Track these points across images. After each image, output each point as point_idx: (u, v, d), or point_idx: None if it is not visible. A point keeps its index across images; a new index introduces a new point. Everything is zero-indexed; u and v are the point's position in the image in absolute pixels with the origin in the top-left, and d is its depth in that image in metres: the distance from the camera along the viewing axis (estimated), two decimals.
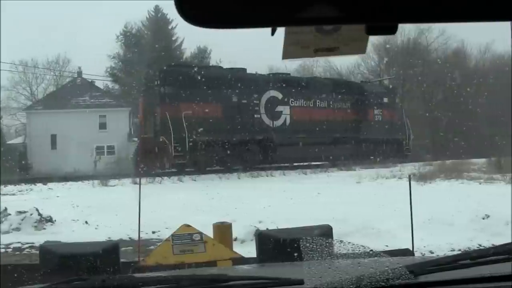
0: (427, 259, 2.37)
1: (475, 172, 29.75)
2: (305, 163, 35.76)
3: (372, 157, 38.11)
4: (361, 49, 1.58)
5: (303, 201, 17.03)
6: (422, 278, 2.06)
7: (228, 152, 32.96)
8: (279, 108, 37.23)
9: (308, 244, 2.28)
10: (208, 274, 2.42)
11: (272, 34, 1.43)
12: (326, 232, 3.85)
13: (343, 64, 72.78)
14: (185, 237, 5.25)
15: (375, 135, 40.77)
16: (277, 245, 3.48)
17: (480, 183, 23.88)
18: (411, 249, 5.24)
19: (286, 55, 1.59)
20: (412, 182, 23.00)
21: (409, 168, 31.97)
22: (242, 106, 35.09)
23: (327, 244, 2.29)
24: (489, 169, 30.92)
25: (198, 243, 5.21)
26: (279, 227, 8.45)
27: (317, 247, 2.27)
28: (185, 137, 31.69)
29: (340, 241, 2.34)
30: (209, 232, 6.42)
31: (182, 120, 31.69)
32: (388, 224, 13.20)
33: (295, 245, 2.71)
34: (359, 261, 2.20)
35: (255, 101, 36.02)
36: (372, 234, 12.95)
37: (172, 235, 5.37)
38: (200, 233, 5.36)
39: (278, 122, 37.14)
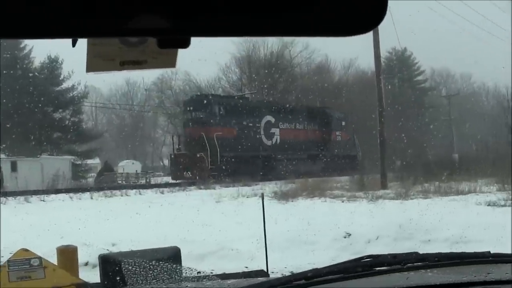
0: (264, 280, 2.37)
1: (338, 190, 30.51)
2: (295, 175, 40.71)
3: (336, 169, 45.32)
4: (171, 63, 1.58)
5: (158, 221, 16.86)
6: None
7: (244, 164, 42.37)
8: (272, 130, 48.72)
9: (140, 268, 2.24)
10: None
11: (73, 45, 1.40)
12: (173, 254, 3.79)
13: (203, 77, 73.13)
14: (23, 262, 5.02)
15: (337, 152, 52.41)
16: (120, 269, 3.39)
17: (342, 201, 24.48)
18: (265, 269, 5.26)
19: (90, 68, 1.57)
20: (273, 201, 23.38)
21: (271, 186, 32.41)
22: (250, 129, 45.65)
23: (167, 266, 2.26)
24: (352, 186, 31.83)
25: (36, 268, 4.99)
26: (132, 249, 8.29)
27: (149, 270, 2.24)
28: (218, 153, 41.52)
29: (177, 264, 2.31)
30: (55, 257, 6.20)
31: (214, 139, 41.43)
32: (248, 244, 13.27)
33: (137, 268, 2.65)
34: (195, 284, 2.18)
35: (257, 124, 47.18)
36: (230, 255, 12.99)
37: (8, 261, 5.12)
38: (40, 258, 5.14)
39: (272, 141, 48.49)
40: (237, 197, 27.11)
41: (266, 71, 66.68)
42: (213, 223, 16.48)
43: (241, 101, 48.85)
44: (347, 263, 2.26)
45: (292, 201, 24.68)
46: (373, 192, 27.24)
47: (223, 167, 41.12)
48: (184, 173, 41.47)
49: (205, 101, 44.52)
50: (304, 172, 40.69)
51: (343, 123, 56.93)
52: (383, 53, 61.72)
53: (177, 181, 39.34)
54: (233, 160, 41.99)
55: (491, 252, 2.48)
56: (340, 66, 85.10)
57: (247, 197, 26.53)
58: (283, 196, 25.89)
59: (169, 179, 53.87)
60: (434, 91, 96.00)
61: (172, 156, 45.30)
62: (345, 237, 15.15)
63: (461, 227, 15.04)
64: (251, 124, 46.10)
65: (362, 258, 2.31)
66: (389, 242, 14.58)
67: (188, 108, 45.54)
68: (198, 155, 41.92)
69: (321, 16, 1.21)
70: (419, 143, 60.04)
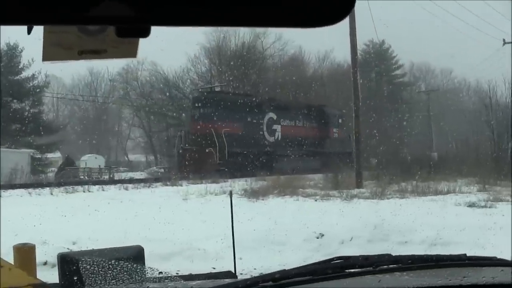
0: (231, 282, 2.38)
1: (311, 188, 30.56)
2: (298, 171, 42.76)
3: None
4: (132, 53, 1.57)
5: (122, 219, 16.80)
6: None
7: (249, 160, 45.81)
8: (274, 126, 52.89)
9: (100, 268, 2.23)
10: None
11: (28, 32, 1.39)
12: (136, 253, 3.77)
13: (170, 68, 72.68)
14: None
15: (333, 149, 55.86)
16: (80, 269, 3.38)
17: (316, 200, 24.53)
18: (233, 271, 5.27)
19: (47, 56, 1.55)
20: (243, 199, 23.35)
21: (241, 183, 32.42)
22: (253, 125, 49.86)
23: (128, 266, 2.26)
24: (326, 185, 31.90)
25: None
26: (94, 248, 8.24)
27: (109, 270, 2.23)
28: (225, 148, 45.61)
29: (140, 264, 2.31)
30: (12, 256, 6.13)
31: (222, 135, 45.48)
32: (216, 244, 13.29)
33: (97, 268, 2.65)
34: (157, 285, 2.18)
35: (260, 121, 51.35)
36: (197, 256, 13.00)
37: None
38: None
39: (274, 138, 52.73)
40: (205, 194, 27.08)
41: (237, 62, 66.44)
42: (179, 221, 16.44)
43: (245, 98, 51.84)
44: (317, 264, 2.27)
45: (263, 199, 24.70)
46: (347, 191, 27.33)
47: (230, 162, 45.22)
48: (192, 167, 43.51)
49: (213, 98, 49.38)
50: (305, 168, 43.94)
51: (340, 121, 61.21)
52: (360, 45, 61.97)
53: (187, 175, 41.10)
54: (238, 155, 46.45)
55: (468, 255, 2.50)
56: (315, 59, 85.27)
57: (215, 195, 26.52)
58: (254, 194, 25.90)
59: (134, 175, 53.75)
60: (413, 86, 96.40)
61: (180, 151, 48.35)
62: (317, 238, 15.21)
63: (439, 228, 15.16)
64: (254, 121, 50.29)
65: (332, 259, 2.32)
66: (364, 243, 14.67)
67: (197, 104, 49.90)
68: (207, 150, 45.77)
69: (287, 7, 1.22)
70: (396, 140, 60.42)
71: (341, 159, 52.09)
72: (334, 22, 1.26)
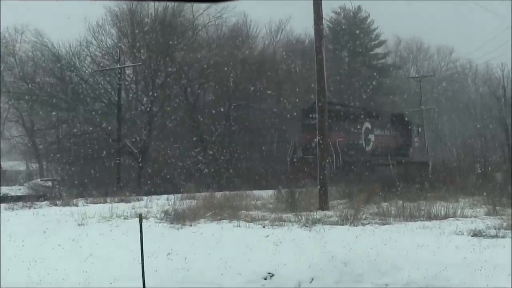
0: None
1: (258, 209, 30.46)
2: None
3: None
4: None
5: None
6: None
7: (354, 167, 56.44)
8: (369, 136, 66.57)
9: None
10: None
11: None
12: None
13: (62, 39, 71.64)
14: None
15: (417, 158, 70.13)
16: None
17: (263, 226, 24.48)
18: None
19: None
20: (163, 225, 23.34)
21: (161, 202, 32.27)
22: (355, 135, 63.41)
23: None
24: (278, 205, 31.84)
25: None
26: None
27: None
28: (339, 157, 57.47)
29: None
30: None
31: (336, 145, 56.91)
32: (125, 284, 13.30)
33: None
34: None
35: (360, 131, 65.12)
36: None
37: None
38: None
39: (369, 147, 66.28)
40: (109, 217, 26.75)
41: (157, 34, 65.88)
42: (72, 256, 16.37)
43: (347, 108, 67.88)
44: None
45: (191, 225, 24.61)
46: (307, 213, 27.30)
47: (343, 170, 56.22)
48: (309, 175, 51.01)
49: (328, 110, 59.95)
50: (396, 177, 49.40)
51: (419, 129, 76.35)
52: (328, 13, 62.41)
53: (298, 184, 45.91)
54: (347, 163, 58.19)
55: None
56: (265, 30, 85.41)
57: (125, 219, 26.26)
58: (178, 218, 25.72)
59: (9, 190, 53.19)
60: (399, 70, 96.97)
61: (294, 160, 60.80)
62: (265, 279, 15.29)
63: (433, 266, 15.33)
64: (355, 131, 64.60)
65: None
66: (329, 285, 14.76)
67: (311, 115, 59.20)
68: None
69: None
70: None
71: (420, 168, 64.60)
72: None
